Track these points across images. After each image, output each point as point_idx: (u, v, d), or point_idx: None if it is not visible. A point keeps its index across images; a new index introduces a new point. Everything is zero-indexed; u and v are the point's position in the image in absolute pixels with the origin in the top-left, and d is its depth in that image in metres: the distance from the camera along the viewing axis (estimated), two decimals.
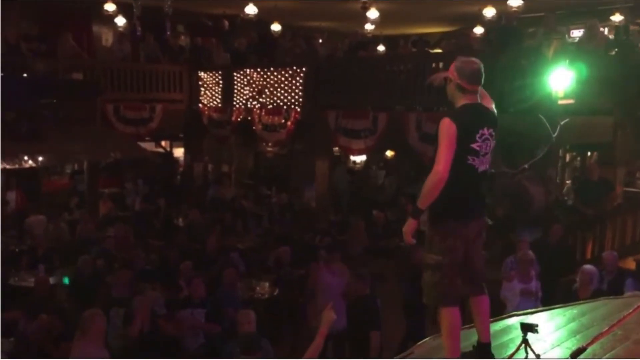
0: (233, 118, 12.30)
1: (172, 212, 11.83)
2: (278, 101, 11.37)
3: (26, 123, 9.98)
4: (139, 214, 11.79)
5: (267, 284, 7.66)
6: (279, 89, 11.35)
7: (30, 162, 10.39)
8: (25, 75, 10.24)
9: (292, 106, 11.06)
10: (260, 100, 11.72)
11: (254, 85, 11.90)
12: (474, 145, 3.16)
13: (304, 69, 10.88)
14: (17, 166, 10.32)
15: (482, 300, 3.36)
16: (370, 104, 9.79)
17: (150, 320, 5.39)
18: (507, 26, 10.49)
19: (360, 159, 11.49)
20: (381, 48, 16.73)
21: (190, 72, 13.34)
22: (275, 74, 11.43)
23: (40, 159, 10.61)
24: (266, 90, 11.62)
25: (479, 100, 3.27)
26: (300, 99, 10.97)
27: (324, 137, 10.44)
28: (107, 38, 14.70)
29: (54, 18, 13.34)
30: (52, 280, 7.56)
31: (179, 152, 15.46)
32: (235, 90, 12.35)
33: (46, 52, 11.72)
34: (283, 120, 11.07)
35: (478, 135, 3.17)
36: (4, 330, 5.93)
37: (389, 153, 14.01)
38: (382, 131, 9.47)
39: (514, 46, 9.15)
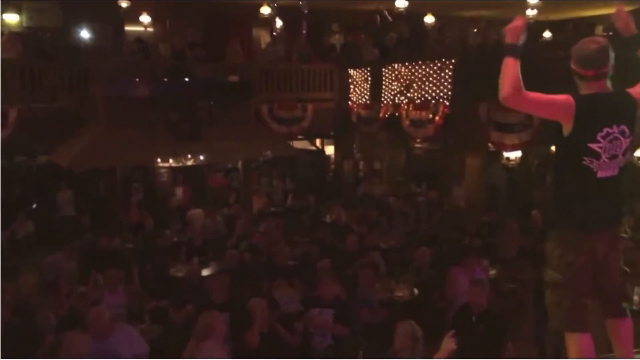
0: (381, 114, 12.15)
1: (322, 209, 12.03)
2: (426, 95, 10.96)
3: (188, 124, 10.75)
4: (289, 210, 12.16)
5: (406, 286, 7.36)
6: (427, 83, 10.94)
7: (192, 160, 11.21)
8: (187, 79, 10.99)
9: (441, 100, 10.59)
10: (408, 95, 11.41)
11: (401, 80, 11.62)
12: (594, 146, 2.62)
13: (452, 61, 10.35)
14: (180, 164, 11.20)
15: (623, 325, 2.82)
16: None
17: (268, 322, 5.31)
18: None
19: (514, 155, 10.68)
20: (547, 35, 15.51)
21: (341, 70, 13.43)
22: (423, 67, 11.04)
23: (201, 157, 11.40)
24: (414, 84, 11.27)
25: (609, 89, 2.72)
26: (450, 92, 10.45)
27: (475, 132, 9.84)
28: (265, 41, 15.41)
29: (217, 25, 14.27)
30: (204, 272, 8.05)
31: (330, 150, 15.72)
32: (384, 86, 12.17)
33: (208, 58, 12.52)
34: (431, 115, 10.64)
35: (601, 134, 2.62)
36: (154, 318, 6.38)
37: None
38: (539, 125, 8.65)
39: None
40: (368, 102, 12.72)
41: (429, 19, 15.13)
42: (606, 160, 2.67)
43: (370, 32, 14.10)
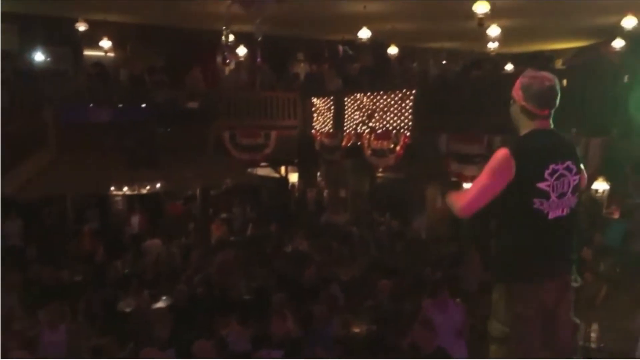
0: (343, 143, 12.05)
1: (284, 238, 11.77)
2: (387, 125, 10.92)
3: (143, 150, 10.45)
4: (250, 239, 11.87)
5: (364, 321, 7.14)
6: (388, 113, 10.90)
7: (148, 188, 10.91)
8: (144, 105, 10.72)
9: (402, 130, 10.54)
10: (370, 124, 11.35)
11: (363, 110, 11.57)
12: (543, 185, 2.50)
13: (413, 91, 10.34)
14: (135, 192, 10.88)
15: None
16: (485, 127, 8.99)
17: None
18: None
19: None
20: (510, 67, 15.73)
21: (304, 99, 13.35)
22: (385, 97, 11.02)
23: (157, 185, 11.11)
24: (375, 114, 11.23)
25: (551, 126, 2.61)
26: (410, 123, 10.42)
27: (435, 163, 9.79)
28: (229, 68, 15.26)
29: (180, 51, 14.06)
30: (157, 306, 7.71)
31: (295, 178, 15.53)
32: (346, 116, 12.11)
33: (169, 84, 12.29)
34: (392, 145, 10.58)
35: (548, 172, 2.50)
36: (95, 356, 6.02)
37: None
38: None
39: None
40: (331, 130, 12.62)
41: (392, 49, 15.28)
42: (555, 199, 2.54)
43: (334, 62, 14.10)
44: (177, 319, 6.69)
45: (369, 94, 11.44)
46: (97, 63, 13.22)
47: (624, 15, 11.53)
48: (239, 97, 12.76)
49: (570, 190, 2.56)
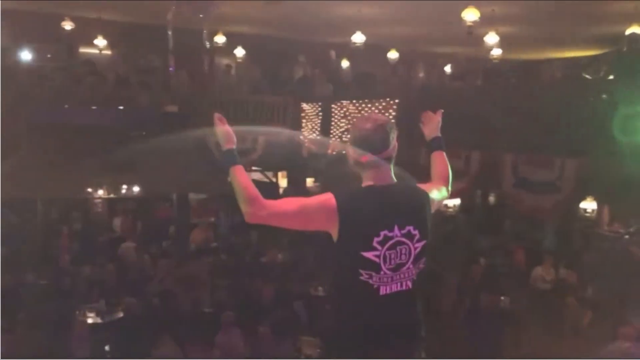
0: (329, 151, 11.73)
1: (265, 247, 11.46)
2: None
3: (122, 154, 10.24)
4: (229, 247, 11.59)
5: (315, 342, 6.79)
6: None
7: (124, 191, 10.70)
8: (121, 107, 10.52)
9: None
10: None
11: (349, 118, 11.24)
12: (370, 255, 2.13)
13: (396, 101, 9.99)
14: (112, 195, 10.69)
15: None
16: (463, 142, 8.60)
17: None
18: None
19: (453, 202, 10.30)
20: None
21: (295, 104, 13.04)
22: (369, 105, 10.68)
23: (136, 188, 10.91)
24: None
25: (393, 179, 2.23)
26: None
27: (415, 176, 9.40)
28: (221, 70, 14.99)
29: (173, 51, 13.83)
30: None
31: (285, 183, 15.23)
32: (333, 123, 11.79)
33: (153, 85, 12.06)
34: None
35: (378, 240, 2.13)
36: None
37: None
38: (475, 174, 8.25)
39: None
40: (318, 137, 12.31)
41: (393, 54, 14.89)
42: (389, 272, 2.15)
43: (326, 66, 13.79)
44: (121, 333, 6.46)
45: (354, 101, 11.12)
46: (88, 61, 13.08)
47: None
48: (226, 101, 12.51)
49: (411, 260, 2.18)
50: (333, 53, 13.96)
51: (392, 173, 2.24)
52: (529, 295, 8.96)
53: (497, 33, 12.39)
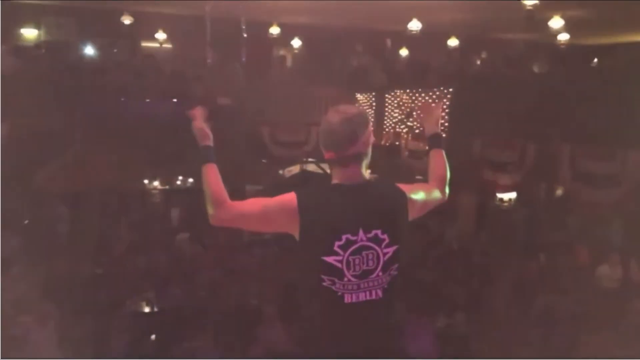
0: (382, 142, 11.51)
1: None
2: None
3: (173, 145, 10.42)
4: (280, 239, 11.57)
5: None
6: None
7: (179, 182, 10.89)
8: (174, 100, 10.68)
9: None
10: (408, 124, 10.74)
11: (402, 108, 10.97)
12: (331, 260, 1.94)
13: (450, 90, 9.64)
14: (167, 187, 10.89)
15: None
16: (520, 132, 8.19)
17: None
18: None
19: (508, 196, 9.79)
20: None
21: (349, 94, 12.86)
22: (423, 95, 10.37)
23: (190, 180, 11.08)
24: (414, 113, 10.60)
25: (364, 178, 2.01)
26: (447, 124, 9.72)
27: (468, 169, 9.04)
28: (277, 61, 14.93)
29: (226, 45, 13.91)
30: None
31: None
32: (386, 113, 11.56)
33: (207, 76, 12.19)
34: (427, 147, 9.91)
35: (339, 243, 1.94)
36: None
37: None
38: (531, 165, 7.82)
39: None
40: (372, 128, 12.10)
41: (453, 41, 14.39)
42: (354, 279, 1.96)
43: (381, 56, 13.50)
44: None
45: (408, 91, 10.84)
46: (149, 55, 13.37)
47: None
48: (280, 92, 12.50)
49: (381, 267, 1.97)
50: (388, 42, 13.64)
51: (362, 171, 2.05)
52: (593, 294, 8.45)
53: (562, 17, 11.74)
